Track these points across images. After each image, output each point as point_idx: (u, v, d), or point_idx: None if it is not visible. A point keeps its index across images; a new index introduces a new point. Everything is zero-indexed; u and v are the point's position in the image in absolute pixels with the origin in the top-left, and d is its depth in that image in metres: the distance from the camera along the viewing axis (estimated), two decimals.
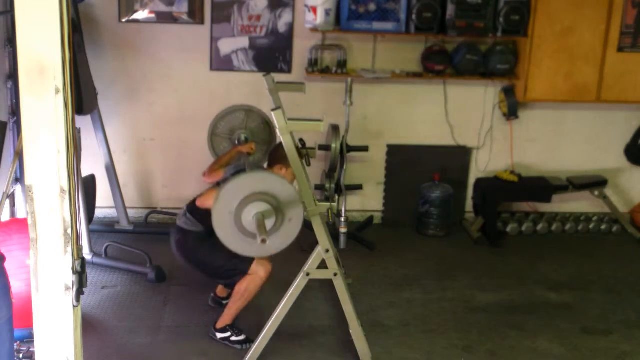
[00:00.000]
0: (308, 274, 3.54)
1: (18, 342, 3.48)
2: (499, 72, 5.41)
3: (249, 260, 3.74)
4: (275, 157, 3.92)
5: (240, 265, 3.74)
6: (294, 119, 3.39)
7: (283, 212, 3.06)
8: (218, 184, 3.88)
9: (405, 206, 5.74)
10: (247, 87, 5.29)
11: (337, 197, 4.81)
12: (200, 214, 3.75)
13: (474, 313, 4.37)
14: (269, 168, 3.97)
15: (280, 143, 4.13)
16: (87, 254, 4.68)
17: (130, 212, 5.37)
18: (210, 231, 3.26)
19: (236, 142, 4.49)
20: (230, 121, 4.47)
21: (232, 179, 3.11)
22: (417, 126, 5.67)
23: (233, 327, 3.90)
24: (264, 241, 2.92)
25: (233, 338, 3.86)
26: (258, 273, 3.75)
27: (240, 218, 3.03)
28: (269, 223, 3.04)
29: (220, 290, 4.28)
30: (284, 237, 3.13)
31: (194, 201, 3.86)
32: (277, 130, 3.34)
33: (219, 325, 3.90)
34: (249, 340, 3.81)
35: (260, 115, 4.50)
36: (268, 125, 4.47)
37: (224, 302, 4.11)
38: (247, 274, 3.75)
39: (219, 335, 3.89)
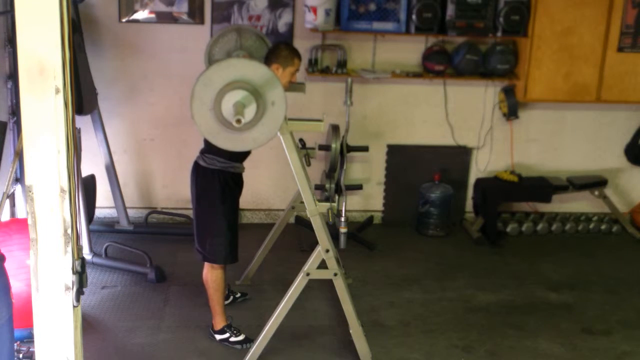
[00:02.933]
0: (308, 274, 3.53)
1: (18, 342, 3.48)
2: (499, 72, 5.41)
3: (218, 256, 3.75)
4: (272, 56, 3.73)
5: (215, 251, 3.74)
6: (294, 119, 3.38)
7: (263, 95, 2.94)
8: None
9: (405, 206, 5.74)
10: None
11: (337, 197, 4.80)
12: (214, 147, 3.54)
13: (474, 313, 4.37)
14: None
15: (281, 42, 4.02)
16: (87, 254, 4.68)
17: (130, 212, 5.37)
18: (229, 166, 3.44)
19: None
20: (225, 45, 4.30)
21: (201, 74, 2.95)
22: (417, 126, 5.67)
23: (231, 327, 3.90)
24: (238, 121, 2.83)
25: (232, 339, 3.86)
26: (213, 266, 3.78)
27: (221, 112, 2.92)
28: (251, 110, 2.93)
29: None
30: (271, 122, 3.02)
31: (205, 143, 3.74)
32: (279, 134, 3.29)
33: (216, 327, 3.90)
34: (249, 340, 3.82)
35: (253, 32, 4.34)
36: (263, 40, 4.33)
37: (225, 301, 4.11)
38: (207, 262, 3.79)
39: (218, 337, 3.89)
